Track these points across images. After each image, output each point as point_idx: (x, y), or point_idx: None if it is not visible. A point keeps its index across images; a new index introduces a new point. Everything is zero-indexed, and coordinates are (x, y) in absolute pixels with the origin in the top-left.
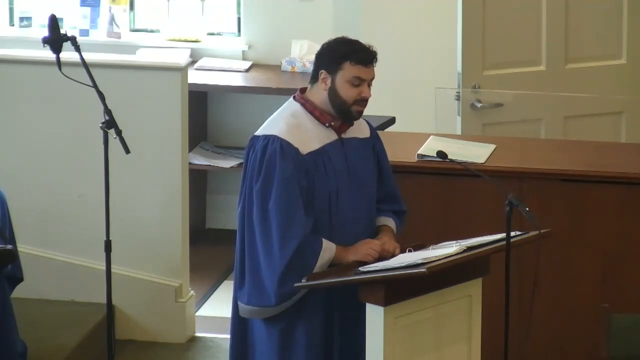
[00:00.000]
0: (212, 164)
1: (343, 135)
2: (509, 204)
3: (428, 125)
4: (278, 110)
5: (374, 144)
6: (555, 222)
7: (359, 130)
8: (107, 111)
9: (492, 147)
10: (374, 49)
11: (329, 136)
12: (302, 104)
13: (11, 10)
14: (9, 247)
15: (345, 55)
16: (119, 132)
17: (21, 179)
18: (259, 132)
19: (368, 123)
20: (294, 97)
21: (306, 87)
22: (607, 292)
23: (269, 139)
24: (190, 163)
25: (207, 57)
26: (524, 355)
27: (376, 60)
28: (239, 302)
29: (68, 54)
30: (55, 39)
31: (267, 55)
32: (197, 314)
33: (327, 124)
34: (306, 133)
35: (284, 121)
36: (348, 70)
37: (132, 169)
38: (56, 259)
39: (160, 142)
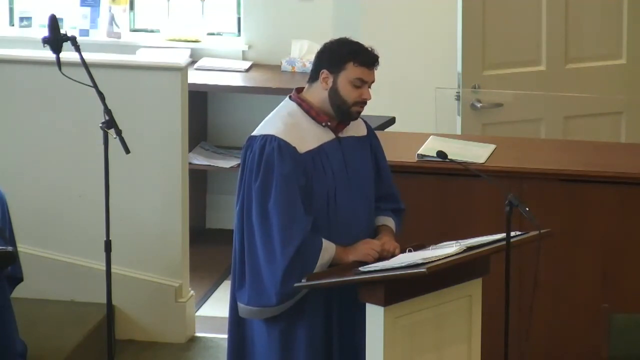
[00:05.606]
0: (212, 164)
1: (340, 135)
2: (509, 204)
3: (428, 125)
4: (274, 110)
5: (371, 143)
6: (555, 222)
7: (356, 129)
8: (107, 111)
9: (492, 147)
10: (376, 53)
11: (326, 135)
12: (299, 104)
13: (11, 10)
14: (10, 248)
15: (349, 55)
16: (119, 132)
17: (21, 178)
18: (256, 132)
19: (365, 122)
20: (290, 97)
21: (302, 87)
22: (607, 292)
23: (266, 138)
24: (190, 163)
25: (207, 57)
26: (524, 355)
27: (378, 64)
28: (238, 303)
29: (68, 54)
30: (55, 39)
31: (267, 55)
32: (197, 314)
33: (323, 124)
34: (303, 132)
35: (281, 121)
36: (351, 71)
37: (132, 169)
38: (56, 259)
39: (160, 142)
